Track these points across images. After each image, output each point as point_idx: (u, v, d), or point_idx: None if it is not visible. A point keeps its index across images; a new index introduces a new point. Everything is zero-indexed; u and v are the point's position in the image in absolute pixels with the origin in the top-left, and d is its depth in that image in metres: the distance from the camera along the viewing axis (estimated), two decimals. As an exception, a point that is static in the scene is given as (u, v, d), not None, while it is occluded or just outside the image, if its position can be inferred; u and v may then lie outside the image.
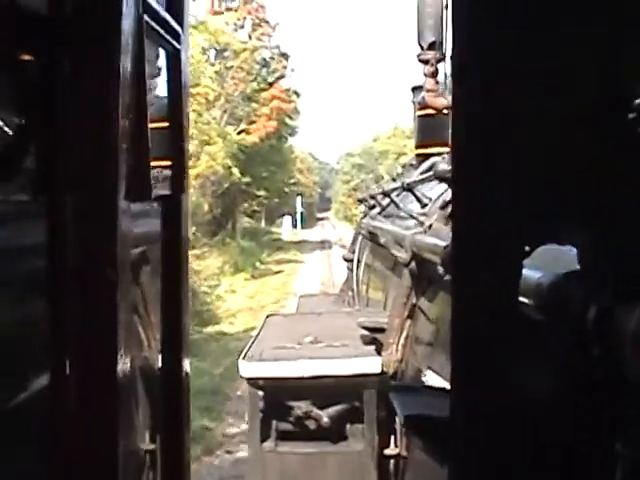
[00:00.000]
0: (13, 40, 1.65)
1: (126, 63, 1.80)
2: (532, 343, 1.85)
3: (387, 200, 10.32)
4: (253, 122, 51.90)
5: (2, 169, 1.66)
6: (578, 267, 1.85)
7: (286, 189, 78.38)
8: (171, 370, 2.45)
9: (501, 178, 1.78)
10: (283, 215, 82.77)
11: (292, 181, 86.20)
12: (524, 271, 1.87)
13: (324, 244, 61.31)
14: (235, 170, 44.87)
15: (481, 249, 1.80)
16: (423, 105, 11.18)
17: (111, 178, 1.77)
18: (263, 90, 53.72)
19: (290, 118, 62.26)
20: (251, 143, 50.11)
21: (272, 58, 57.33)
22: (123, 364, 1.85)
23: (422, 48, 10.59)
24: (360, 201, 16.24)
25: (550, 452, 1.80)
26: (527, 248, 1.85)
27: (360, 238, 13.30)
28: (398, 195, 9.40)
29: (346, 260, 14.91)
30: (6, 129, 1.73)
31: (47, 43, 1.73)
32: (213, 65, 45.96)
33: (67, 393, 1.80)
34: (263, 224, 78.36)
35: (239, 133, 48.30)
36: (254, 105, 52.77)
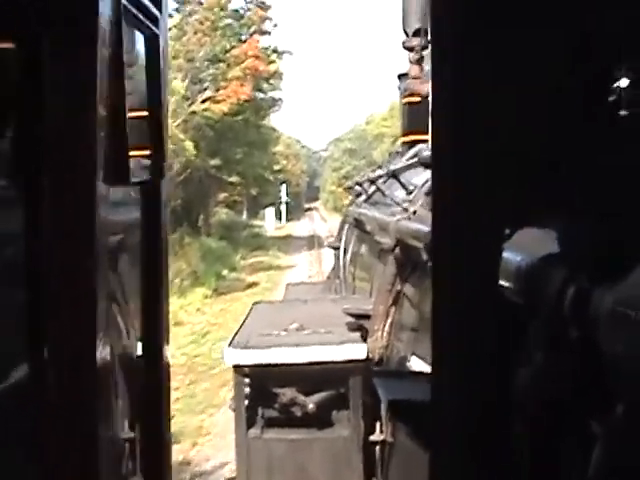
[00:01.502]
0: None
1: (104, 47, 1.79)
2: (512, 326, 1.86)
3: (373, 187, 10.32)
4: (222, 88, 41.24)
5: None
6: (557, 250, 1.85)
7: (269, 176, 68.68)
8: (151, 358, 2.44)
9: (481, 162, 1.78)
10: (266, 206, 73.54)
11: (276, 167, 78.15)
12: (504, 254, 1.87)
13: (312, 240, 51.48)
14: (189, 145, 36.34)
15: (461, 233, 1.80)
16: (409, 92, 11.16)
17: (89, 161, 1.76)
18: (234, 49, 42.88)
19: (269, 83, 49.71)
20: (220, 115, 41.01)
21: (248, 9, 45.41)
22: (102, 352, 1.84)
23: (407, 35, 10.56)
24: (348, 189, 16.24)
25: (532, 432, 1.81)
26: (507, 231, 1.85)
27: (347, 226, 13.30)
28: (384, 182, 9.40)
29: (332, 248, 14.92)
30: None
31: (24, 26, 1.72)
32: (171, 17, 34.94)
33: (45, 382, 1.79)
34: (245, 216, 71.53)
35: (203, 102, 39.67)
36: (222, 66, 41.69)
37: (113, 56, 1.86)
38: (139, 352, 2.43)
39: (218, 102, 40.60)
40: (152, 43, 2.21)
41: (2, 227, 1.76)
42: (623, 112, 1.74)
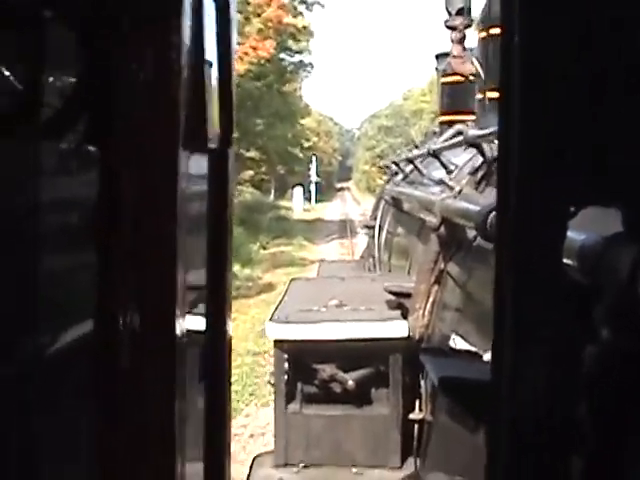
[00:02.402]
0: None
1: (187, 16, 1.80)
2: (577, 308, 1.85)
3: (411, 167, 10.32)
4: (240, 44, 32.44)
5: (59, 120, 1.66)
6: (626, 230, 1.84)
7: (298, 153, 63.84)
8: (215, 332, 2.45)
9: (545, 138, 1.77)
10: (294, 186, 67.05)
11: (306, 144, 72.55)
12: (568, 233, 1.87)
13: (344, 226, 45.63)
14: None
15: (525, 211, 1.79)
16: (449, 72, 11.14)
17: (172, 128, 1.77)
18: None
19: (296, 40, 43.04)
20: (236, 79, 33.16)
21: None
22: (181, 323, 1.85)
23: (449, 14, 10.56)
24: (384, 168, 16.23)
25: (592, 420, 1.81)
26: (572, 209, 1.84)
27: (382, 204, 13.31)
28: (422, 161, 9.40)
29: (367, 227, 14.94)
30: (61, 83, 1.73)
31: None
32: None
33: (123, 348, 1.81)
34: (272, 197, 65.08)
35: (216, 60, 34.34)
36: (240, 18, 31.72)
37: (194, 25, 1.86)
38: (204, 324, 2.45)
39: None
40: (224, 12, 2.22)
41: (81, 193, 1.77)
42: None
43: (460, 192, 5.46)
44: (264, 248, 36.15)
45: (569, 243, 1.91)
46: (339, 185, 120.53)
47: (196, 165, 2.14)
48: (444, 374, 3.29)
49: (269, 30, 36.15)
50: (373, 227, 13.81)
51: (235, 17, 2.32)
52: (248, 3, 34.85)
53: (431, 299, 5.87)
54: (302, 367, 6.41)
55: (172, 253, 1.80)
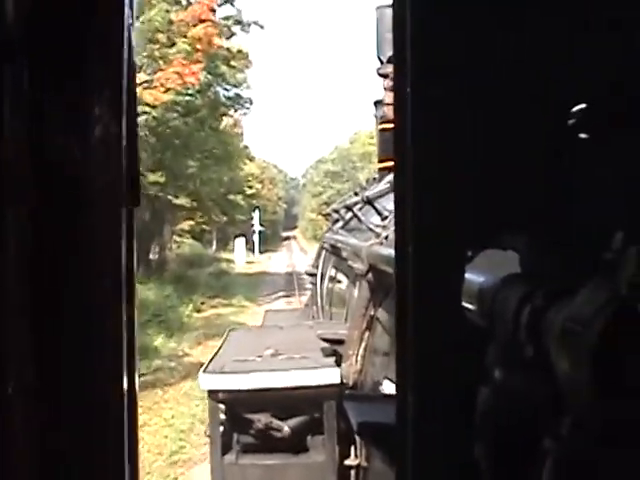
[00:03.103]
0: None
1: (124, 71, 1.80)
2: (477, 350, 1.88)
3: (350, 214, 10.39)
4: (161, 70, 27.85)
5: None
6: (516, 270, 1.89)
7: (241, 201, 59.65)
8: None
9: (441, 185, 1.81)
10: (236, 237, 62.05)
11: (249, 192, 69.09)
12: (467, 276, 1.91)
13: (291, 280, 39.18)
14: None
15: (423, 256, 1.83)
16: (384, 119, 11.24)
17: (117, 186, 1.77)
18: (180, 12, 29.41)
19: (230, 67, 37.07)
20: (161, 112, 28.25)
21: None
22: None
23: (381, 62, 10.65)
24: (326, 215, 16.29)
25: (497, 458, 1.84)
26: (469, 253, 1.89)
27: (324, 252, 13.34)
28: (360, 209, 9.47)
29: (309, 274, 14.95)
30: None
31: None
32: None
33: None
34: (214, 248, 62.40)
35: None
36: (162, 38, 28.12)
37: (129, 79, 1.87)
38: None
39: (154, 88, 27.36)
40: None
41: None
42: (583, 135, 1.79)
43: (387, 238, 5.52)
44: (198, 311, 30.84)
45: (468, 285, 1.95)
46: (285, 234, 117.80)
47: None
48: (363, 419, 3.31)
49: (197, 53, 29.45)
50: (315, 275, 13.84)
51: (135, 72, 2.34)
52: (171, 22, 29.05)
53: (363, 345, 5.91)
54: (237, 417, 6.40)
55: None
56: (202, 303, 33.16)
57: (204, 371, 6.39)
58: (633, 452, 1.35)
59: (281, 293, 36.71)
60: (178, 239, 47.14)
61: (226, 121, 43.33)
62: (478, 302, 2.06)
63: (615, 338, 1.34)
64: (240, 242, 60.43)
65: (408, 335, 1.85)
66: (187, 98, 30.92)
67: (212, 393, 6.33)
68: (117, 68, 1.79)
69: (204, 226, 51.16)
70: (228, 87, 40.78)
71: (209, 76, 34.35)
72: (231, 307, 33.17)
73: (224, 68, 36.94)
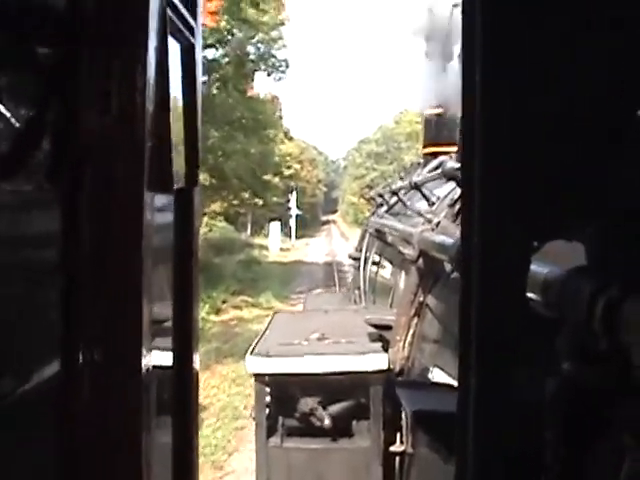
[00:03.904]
0: (31, 34, 1.66)
1: (151, 57, 1.81)
2: (541, 340, 1.86)
3: (395, 198, 10.35)
4: None
5: (19, 160, 1.67)
6: (585, 262, 1.86)
7: (278, 182, 53.05)
8: (182, 366, 2.45)
9: (508, 174, 1.79)
10: (270, 220, 55.91)
11: (287, 172, 63.00)
12: (532, 267, 1.88)
13: (331, 271, 34.53)
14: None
15: (489, 246, 1.81)
16: (432, 105, 11.21)
17: (138, 170, 1.78)
18: None
19: (259, 10, 30.92)
20: None
21: None
22: (147, 357, 1.85)
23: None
24: (370, 199, 16.27)
25: (556, 448, 1.81)
26: (535, 244, 1.86)
27: (367, 236, 13.33)
28: (406, 194, 9.43)
29: (353, 258, 14.96)
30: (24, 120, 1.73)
31: (68, 37, 1.74)
32: None
33: (85, 386, 1.80)
34: (249, 232, 57.10)
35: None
36: None
37: (158, 65, 1.89)
38: (171, 358, 2.45)
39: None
40: (189, 53, 2.25)
41: (45, 230, 1.77)
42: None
43: (438, 224, 5.49)
44: (217, 312, 26.18)
45: (533, 276, 1.93)
46: (324, 218, 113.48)
47: (162, 203, 2.16)
48: (418, 407, 3.29)
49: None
50: (358, 259, 13.84)
51: (200, 58, 2.36)
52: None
53: (411, 331, 5.88)
54: (283, 401, 6.40)
55: (138, 290, 1.81)
56: (224, 302, 27.54)
57: (251, 354, 6.41)
58: None
59: (318, 290, 26.13)
60: (210, 222, 41.03)
61: (257, 88, 38.61)
62: (543, 293, 2.03)
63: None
64: (275, 227, 55.42)
65: (472, 324, 1.83)
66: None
67: (258, 376, 6.34)
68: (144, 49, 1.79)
69: (238, 209, 46.83)
70: (258, 43, 34.16)
71: (232, 22, 29.34)
72: (256, 308, 26.93)
73: (251, 12, 30.46)
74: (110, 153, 1.76)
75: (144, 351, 1.81)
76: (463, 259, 1.96)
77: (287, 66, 37.22)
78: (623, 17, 1.73)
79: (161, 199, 2.05)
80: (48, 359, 1.79)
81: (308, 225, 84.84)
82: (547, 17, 1.75)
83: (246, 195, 43.52)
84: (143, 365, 1.81)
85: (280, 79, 37.38)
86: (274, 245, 53.66)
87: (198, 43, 2.29)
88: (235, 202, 43.40)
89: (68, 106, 1.72)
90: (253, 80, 36.76)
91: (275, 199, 56.15)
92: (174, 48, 2.11)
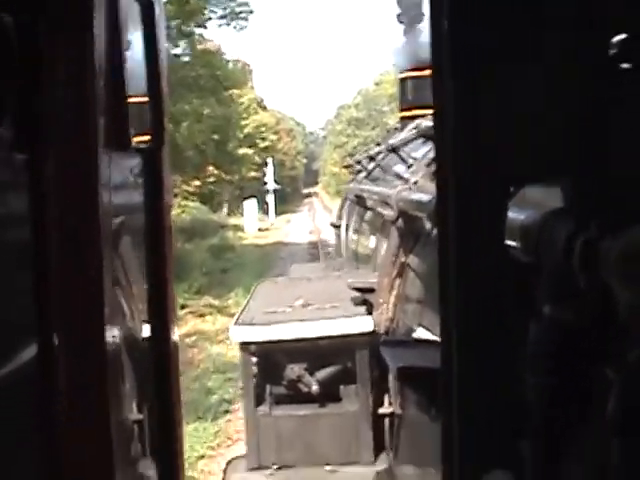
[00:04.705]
0: None
1: (101, 14, 1.78)
2: (521, 287, 1.85)
3: (373, 164, 10.33)
4: None
5: None
6: (562, 206, 1.85)
7: (254, 156, 49.61)
8: (159, 339, 2.44)
9: (483, 120, 1.77)
10: (244, 199, 49.77)
11: (263, 144, 59.58)
12: (509, 213, 1.87)
13: (315, 253, 28.94)
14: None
15: (464, 193, 1.80)
16: (405, 68, 11.16)
17: (91, 130, 1.76)
18: None
19: None
20: None
21: None
22: (110, 335, 1.83)
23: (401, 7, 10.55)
24: (348, 167, 16.25)
25: (543, 395, 1.81)
26: (512, 189, 1.84)
27: (347, 203, 13.32)
28: (384, 158, 9.41)
29: (334, 226, 14.95)
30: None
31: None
32: None
33: (53, 368, 1.78)
34: (225, 211, 52.23)
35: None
36: None
37: (110, 24, 1.85)
38: (145, 334, 2.43)
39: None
40: (147, 11, 2.21)
41: (3, 209, 1.74)
42: (625, 65, 1.74)
43: (416, 183, 5.47)
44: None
45: (510, 223, 1.91)
46: (306, 191, 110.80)
47: (125, 166, 2.13)
48: (402, 364, 3.28)
49: None
50: (339, 226, 13.84)
51: (162, 15, 2.32)
52: None
53: (394, 292, 5.88)
54: (269, 368, 6.40)
55: (98, 259, 1.78)
56: (182, 307, 20.51)
57: (235, 323, 6.40)
58: None
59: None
60: (182, 202, 36.79)
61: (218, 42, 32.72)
62: (522, 239, 2.01)
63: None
64: (250, 205, 48.59)
65: (451, 276, 1.82)
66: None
67: (244, 345, 6.33)
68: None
69: (212, 186, 43.23)
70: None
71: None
72: (223, 316, 20.33)
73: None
74: (63, 116, 1.73)
75: (107, 330, 1.79)
76: (439, 211, 1.95)
77: (250, 12, 34.37)
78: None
79: (125, 160, 2.02)
80: (18, 343, 1.76)
81: (289, 200, 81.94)
82: None
83: (213, 170, 38.19)
84: (107, 343, 1.79)
85: (242, 29, 34.19)
86: (250, 225, 48.27)
87: (157, 1, 2.25)
88: (198, 179, 37.96)
89: (21, 74, 1.68)
90: (205, 27, 32.73)
91: (252, 174, 52.99)
92: (131, 5, 2.07)
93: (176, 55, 27.73)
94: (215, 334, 18.44)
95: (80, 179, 1.76)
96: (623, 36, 1.72)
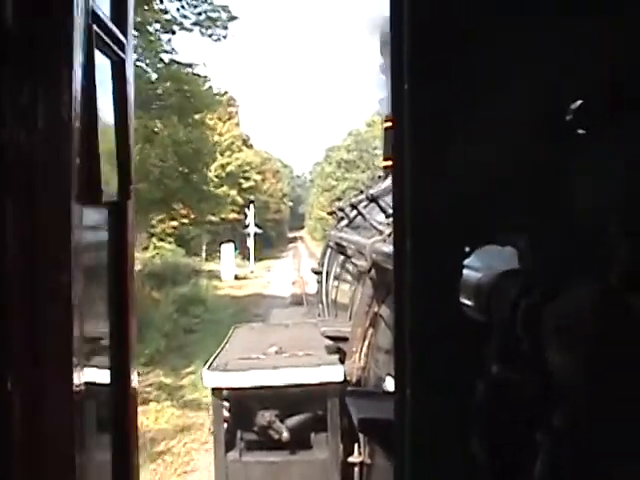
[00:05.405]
0: None
1: (77, 70, 1.83)
2: (474, 344, 1.89)
3: (355, 212, 10.37)
4: None
5: None
6: (512, 267, 1.89)
7: (235, 196, 46.27)
8: (120, 384, 2.45)
9: (440, 182, 1.82)
10: (221, 243, 46.10)
11: (246, 184, 56.37)
12: (465, 272, 1.91)
13: (299, 309, 20.85)
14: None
15: (421, 252, 1.84)
16: (388, 117, 11.21)
17: (64, 182, 1.79)
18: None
19: None
20: None
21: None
22: (80, 375, 1.85)
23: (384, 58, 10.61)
24: (331, 213, 16.27)
25: (493, 450, 1.84)
26: (467, 249, 1.89)
27: (329, 250, 13.33)
28: (365, 207, 9.45)
29: (315, 273, 14.94)
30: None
31: None
32: None
33: (15, 411, 1.79)
34: (204, 255, 49.65)
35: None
36: None
37: (85, 79, 1.90)
38: (107, 378, 2.45)
39: None
40: (119, 68, 2.26)
41: None
42: (580, 131, 1.80)
43: (390, 235, 5.52)
44: None
45: (466, 282, 1.96)
46: (291, 235, 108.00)
47: (93, 218, 2.17)
48: (364, 415, 3.31)
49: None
50: (321, 272, 13.83)
51: (132, 74, 2.37)
52: None
53: (366, 342, 5.91)
54: (241, 414, 6.40)
55: (67, 305, 1.81)
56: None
57: (208, 368, 6.40)
58: (624, 442, 1.35)
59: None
60: (158, 244, 34.51)
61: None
62: (476, 298, 2.06)
63: (608, 334, 1.35)
64: (227, 250, 44.59)
65: (406, 331, 1.86)
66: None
67: (216, 390, 6.34)
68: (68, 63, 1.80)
69: (190, 227, 39.20)
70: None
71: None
72: (172, 403, 16.16)
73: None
74: (37, 169, 1.77)
75: (77, 370, 1.81)
76: (396, 266, 1.99)
77: (232, 19, 29.40)
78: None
79: (94, 214, 2.06)
80: None
81: (273, 244, 79.07)
82: (472, 20, 1.79)
83: (181, 209, 33.40)
84: (76, 384, 1.81)
85: (219, 39, 28.89)
86: (227, 272, 44.16)
87: (129, 58, 2.31)
88: (175, 219, 33.31)
89: None
90: (174, 33, 27.90)
91: (234, 215, 49.34)
92: (103, 64, 2.12)
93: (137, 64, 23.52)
94: (153, 442, 13.01)
95: (53, 226, 1.79)
96: (579, 103, 1.79)
